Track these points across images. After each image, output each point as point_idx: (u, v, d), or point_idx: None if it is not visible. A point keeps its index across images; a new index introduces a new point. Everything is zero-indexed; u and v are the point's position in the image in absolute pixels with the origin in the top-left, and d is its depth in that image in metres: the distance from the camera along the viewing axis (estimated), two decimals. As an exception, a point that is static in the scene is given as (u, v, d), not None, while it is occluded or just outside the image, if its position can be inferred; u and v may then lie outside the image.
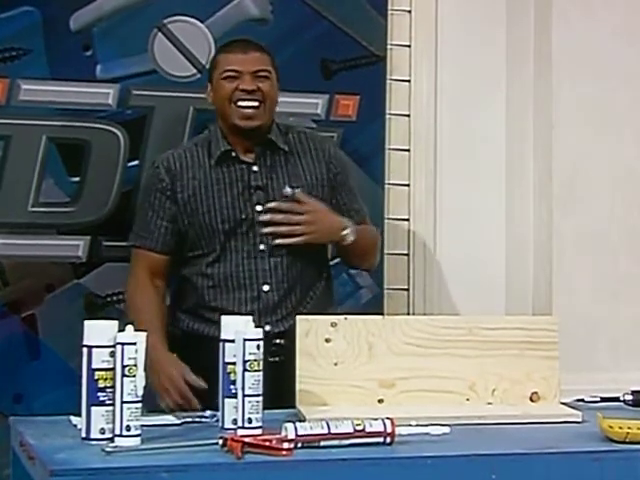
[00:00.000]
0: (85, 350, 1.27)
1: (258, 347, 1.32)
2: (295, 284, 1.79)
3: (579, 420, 1.46)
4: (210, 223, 1.77)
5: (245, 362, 1.31)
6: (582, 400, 1.61)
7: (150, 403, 1.34)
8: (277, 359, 1.67)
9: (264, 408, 1.33)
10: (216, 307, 1.75)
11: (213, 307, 1.75)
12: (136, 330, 1.28)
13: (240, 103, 1.76)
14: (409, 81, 2.38)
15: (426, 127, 2.38)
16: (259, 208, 1.79)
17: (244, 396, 1.31)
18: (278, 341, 1.72)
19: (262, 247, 1.78)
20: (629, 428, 1.30)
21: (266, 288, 1.77)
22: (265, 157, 1.81)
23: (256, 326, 1.35)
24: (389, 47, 2.34)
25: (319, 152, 1.86)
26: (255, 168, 1.80)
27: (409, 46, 2.38)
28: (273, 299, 1.76)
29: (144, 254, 1.81)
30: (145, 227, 1.82)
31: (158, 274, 1.80)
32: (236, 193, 1.78)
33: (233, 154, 1.80)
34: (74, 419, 1.37)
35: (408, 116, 2.37)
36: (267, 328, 1.69)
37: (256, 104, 1.77)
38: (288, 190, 1.79)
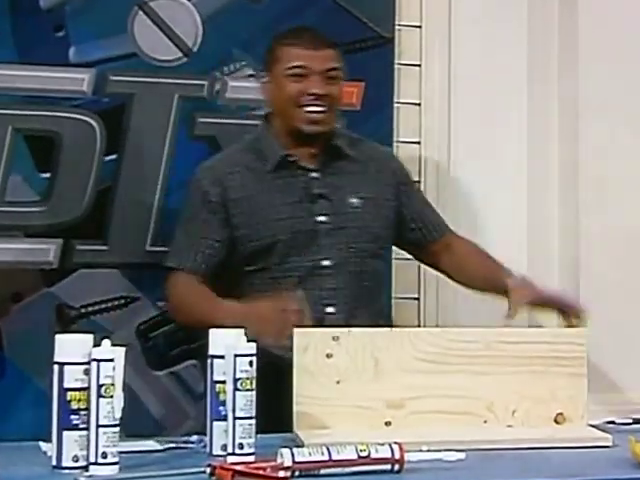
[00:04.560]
0: (56, 367, 1.27)
1: (250, 364, 1.32)
2: (361, 305, 1.78)
3: (609, 444, 1.46)
4: (266, 236, 1.75)
5: (236, 380, 1.31)
6: (612, 422, 1.62)
7: (129, 426, 1.33)
8: None
9: (257, 432, 1.32)
10: None
11: None
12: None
13: (307, 108, 1.74)
14: (420, 66, 2.38)
15: (439, 117, 2.38)
16: (322, 219, 1.77)
17: (235, 418, 1.31)
18: None
19: (326, 262, 1.77)
20: (666, 454, 1.30)
21: (330, 310, 1.75)
22: (328, 164, 1.80)
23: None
24: (397, 28, 2.34)
25: (383, 162, 1.87)
26: (316, 174, 1.79)
27: (420, 27, 2.38)
28: (338, 322, 1.72)
29: (185, 276, 1.78)
30: (188, 247, 1.78)
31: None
32: (295, 202, 1.77)
33: (291, 159, 1.78)
34: (44, 445, 1.36)
35: (419, 105, 2.37)
36: None
37: (324, 109, 1.75)
38: (354, 201, 1.79)
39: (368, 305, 1.79)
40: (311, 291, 1.74)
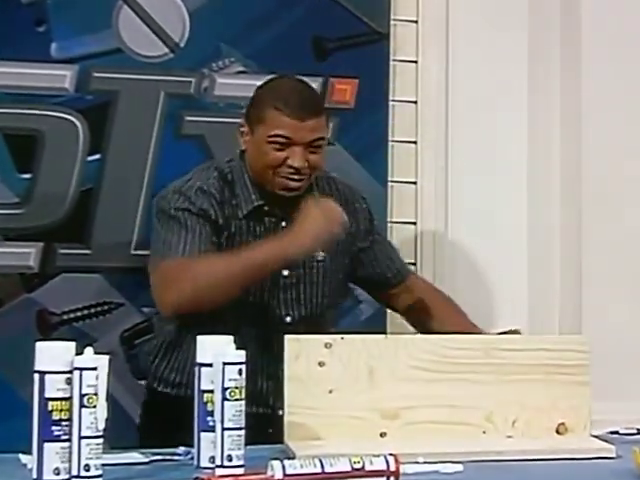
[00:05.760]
0: (37, 376, 1.27)
1: (240, 372, 1.32)
2: None
3: (612, 455, 1.47)
4: None
5: (225, 390, 1.31)
6: (616, 432, 1.62)
7: (113, 438, 1.33)
8: None
9: (247, 443, 1.32)
10: None
11: None
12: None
13: (285, 180, 1.72)
14: (416, 62, 2.39)
15: (436, 116, 2.39)
16: (285, 273, 1.77)
17: (223, 429, 1.31)
18: None
19: (288, 319, 1.77)
20: (671, 465, 1.31)
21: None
22: (296, 212, 1.76)
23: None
24: (393, 22, 2.35)
25: (351, 209, 1.86)
26: (284, 224, 1.77)
27: (416, 21, 2.39)
28: None
29: (180, 257, 1.66)
30: (180, 243, 1.69)
31: None
32: None
33: (265, 208, 1.77)
34: (24, 458, 1.36)
35: (415, 103, 2.38)
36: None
37: (301, 179, 1.74)
38: (320, 254, 1.79)
39: None
40: (267, 353, 1.70)
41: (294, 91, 1.76)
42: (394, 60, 2.35)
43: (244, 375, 1.33)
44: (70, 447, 1.25)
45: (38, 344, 1.29)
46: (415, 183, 2.37)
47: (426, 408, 1.50)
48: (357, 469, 1.25)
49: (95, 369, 1.25)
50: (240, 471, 1.29)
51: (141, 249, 2.17)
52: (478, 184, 2.39)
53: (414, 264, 2.34)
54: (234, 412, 1.31)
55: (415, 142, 2.38)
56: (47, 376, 1.26)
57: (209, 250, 1.71)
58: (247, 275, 1.67)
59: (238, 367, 1.32)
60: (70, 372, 1.26)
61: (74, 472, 1.24)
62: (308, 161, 1.73)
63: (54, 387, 1.25)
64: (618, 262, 2.38)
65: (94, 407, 1.24)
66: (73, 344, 1.29)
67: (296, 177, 1.73)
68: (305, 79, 1.83)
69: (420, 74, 2.38)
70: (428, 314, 1.90)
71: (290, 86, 1.78)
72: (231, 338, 1.38)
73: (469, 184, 2.39)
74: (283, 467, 1.24)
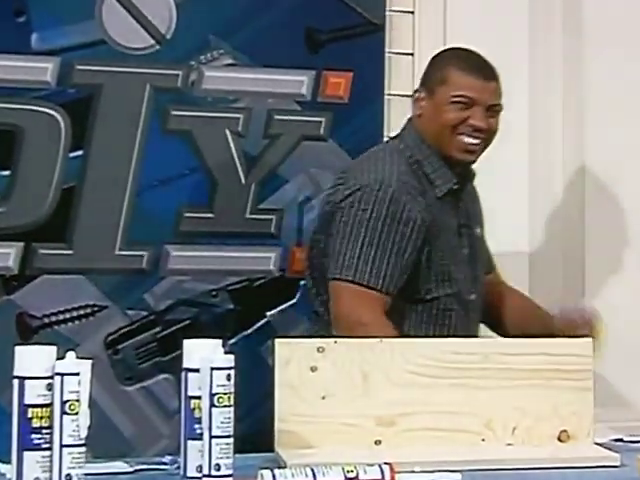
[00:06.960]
0: (16, 382, 1.27)
1: (228, 377, 1.32)
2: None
3: (617, 464, 1.47)
4: (439, 263, 1.78)
5: (212, 396, 1.31)
6: (620, 440, 1.62)
7: (96, 446, 1.33)
8: None
9: (240, 451, 1.32)
10: None
11: None
12: None
13: (465, 139, 1.79)
14: (412, 55, 2.39)
15: (433, 110, 2.39)
16: (465, 251, 1.84)
17: (211, 437, 1.31)
18: None
19: (472, 297, 1.83)
20: (677, 474, 1.31)
21: None
22: (463, 191, 1.87)
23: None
24: (388, 13, 2.36)
25: (474, 188, 1.97)
26: (460, 203, 1.86)
27: (412, 12, 2.39)
28: None
29: (376, 297, 1.72)
30: (380, 264, 1.73)
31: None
32: (453, 231, 1.83)
33: (455, 187, 1.84)
34: (3, 467, 1.36)
35: (411, 97, 2.38)
36: None
37: (480, 142, 1.81)
38: (478, 231, 1.89)
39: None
40: (463, 327, 1.79)
41: (475, 55, 1.87)
42: (390, 52, 2.35)
43: (232, 381, 1.32)
44: (51, 456, 1.24)
45: (17, 348, 1.29)
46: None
47: (423, 415, 1.50)
48: (351, 478, 1.25)
49: (77, 374, 1.25)
50: (229, 481, 1.29)
51: (125, 250, 2.17)
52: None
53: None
54: (222, 419, 1.31)
55: (411, 138, 2.37)
56: (27, 382, 1.25)
57: (407, 271, 1.74)
58: None
59: (226, 372, 1.32)
60: (51, 377, 1.26)
61: (55, 482, 1.24)
62: (487, 126, 1.80)
63: (34, 393, 1.25)
64: (622, 258, 2.39)
65: (76, 414, 1.24)
66: (54, 348, 1.29)
67: (475, 136, 1.79)
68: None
69: (417, 67, 2.38)
70: (501, 305, 1.96)
71: (469, 51, 1.89)
72: (219, 342, 1.38)
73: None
74: (273, 476, 1.24)
